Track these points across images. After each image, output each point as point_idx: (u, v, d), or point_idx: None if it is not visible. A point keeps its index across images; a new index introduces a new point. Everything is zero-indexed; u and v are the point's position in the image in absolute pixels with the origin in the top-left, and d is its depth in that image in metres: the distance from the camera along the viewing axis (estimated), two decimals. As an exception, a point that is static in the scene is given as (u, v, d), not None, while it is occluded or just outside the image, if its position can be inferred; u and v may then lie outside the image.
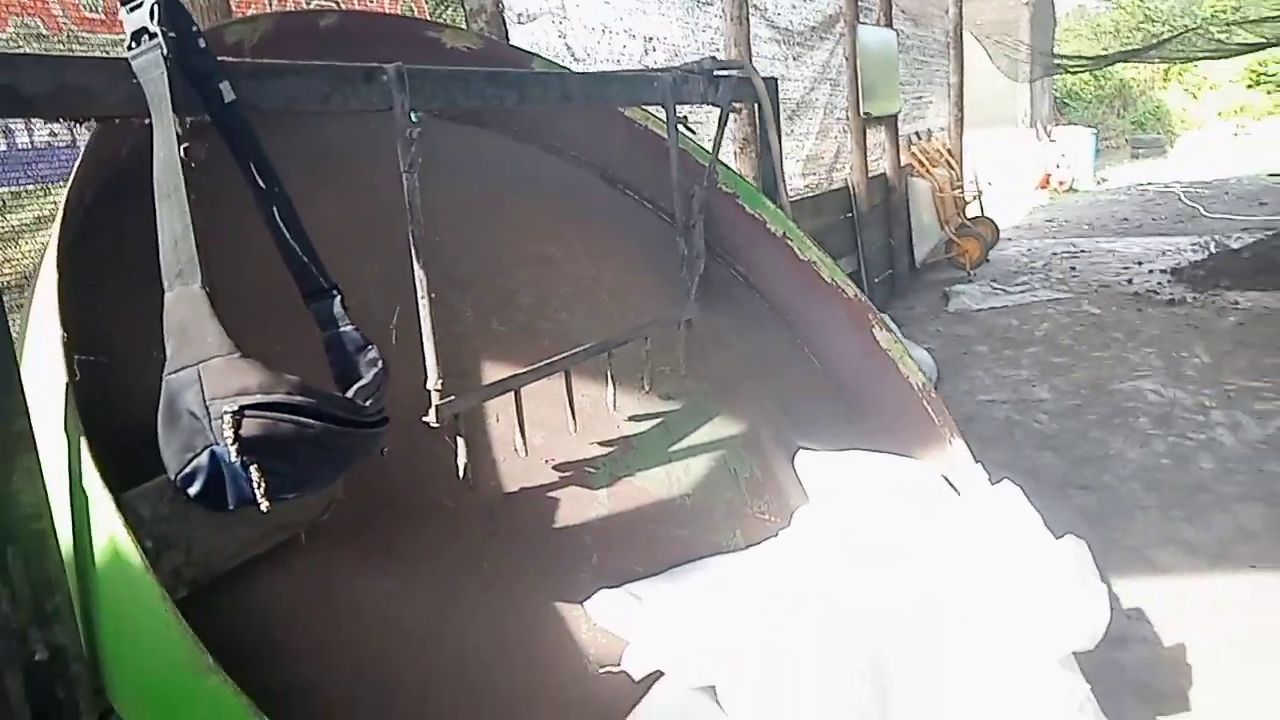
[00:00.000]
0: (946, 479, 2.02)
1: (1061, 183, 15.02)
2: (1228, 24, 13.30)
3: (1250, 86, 21.93)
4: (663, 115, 2.00)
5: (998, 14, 14.01)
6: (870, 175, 6.93)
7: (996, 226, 9.55)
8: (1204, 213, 11.37)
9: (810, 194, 6.16)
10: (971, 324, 6.59)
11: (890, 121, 7.41)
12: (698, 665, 1.33)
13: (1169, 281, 7.37)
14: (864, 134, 6.68)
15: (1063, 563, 1.70)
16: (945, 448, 2.15)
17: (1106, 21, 24.96)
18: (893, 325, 5.96)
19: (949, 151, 9.31)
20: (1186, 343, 5.59)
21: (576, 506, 1.60)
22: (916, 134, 8.76)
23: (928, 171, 8.33)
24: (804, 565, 1.59)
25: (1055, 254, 9.16)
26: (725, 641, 1.35)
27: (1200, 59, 13.44)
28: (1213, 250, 8.17)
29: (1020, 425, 4.49)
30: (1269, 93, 21.11)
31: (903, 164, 7.78)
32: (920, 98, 9.04)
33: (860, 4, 6.73)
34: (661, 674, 1.35)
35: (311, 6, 2.34)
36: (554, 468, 1.62)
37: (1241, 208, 11.51)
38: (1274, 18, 11.72)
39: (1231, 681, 2.41)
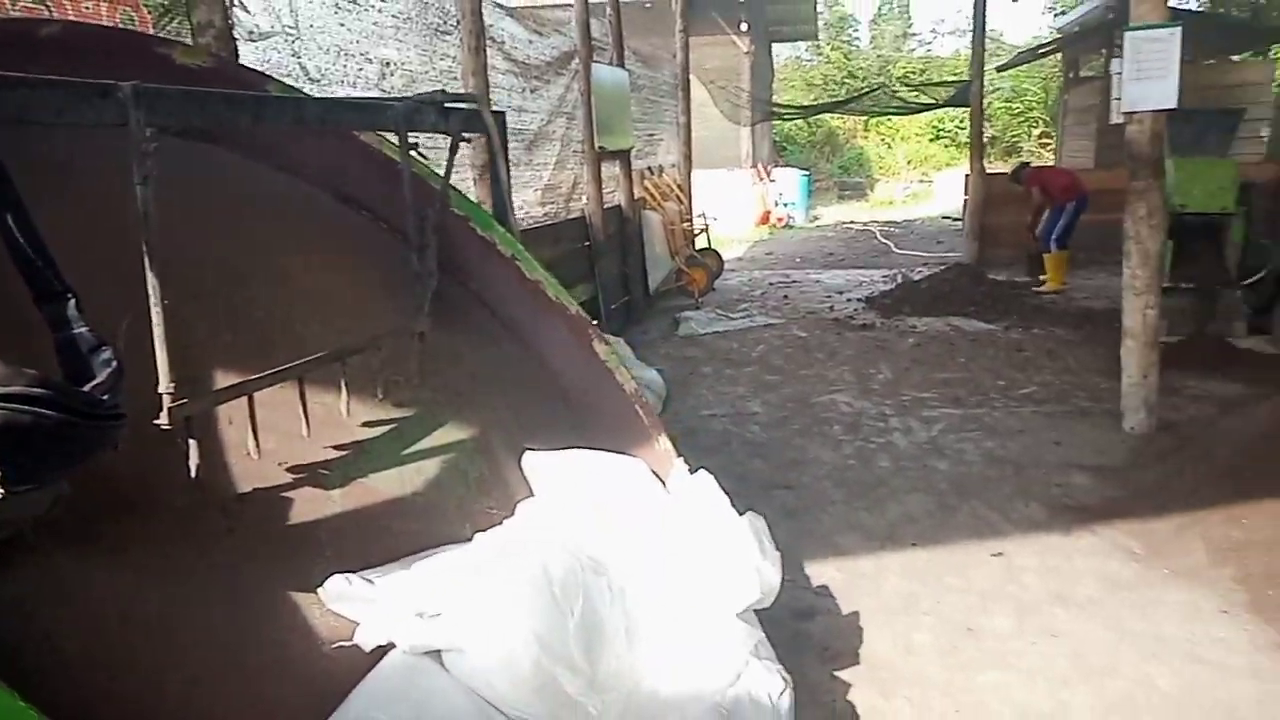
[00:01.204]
0: (654, 471, 2.31)
1: (779, 219, 16.58)
2: (909, 85, 15.44)
3: (932, 140, 25.38)
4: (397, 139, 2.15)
5: (722, 61, 15.28)
6: (606, 206, 7.37)
7: (721, 258, 10.42)
8: (894, 249, 13.04)
9: (549, 222, 6.47)
10: (698, 347, 7.17)
11: (624, 156, 7.92)
12: (423, 633, 1.48)
13: (863, 309, 8.42)
14: (599, 167, 7.10)
15: (744, 535, 2.03)
16: (653, 445, 2.45)
17: (817, 74, 27.90)
18: (611, 339, 6.34)
19: (679, 187, 10.06)
20: (874, 361, 6.45)
21: (311, 505, 1.69)
22: (649, 169, 9.40)
23: (659, 205, 8.96)
24: (523, 543, 1.79)
25: (772, 284, 10.13)
26: (448, 611, 1.51)
27: (891, 114, 15.42)
28: (899, 281, 9.41)
29: (736, 435, 4.99)
30: (945, 146, 24.56)
31: (636, 197, 8.32)
32: (652, 135, 9.71)
33: (594, 43, 7.18)
34: (392, 645, 1.49)
35: (21, 14, 2.24)
36: (287, 470, 1.70)
37: (924, 245, 13.33)
38: (944, 83, 13.77)
39: (884, 633, 2.91)
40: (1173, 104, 4.39)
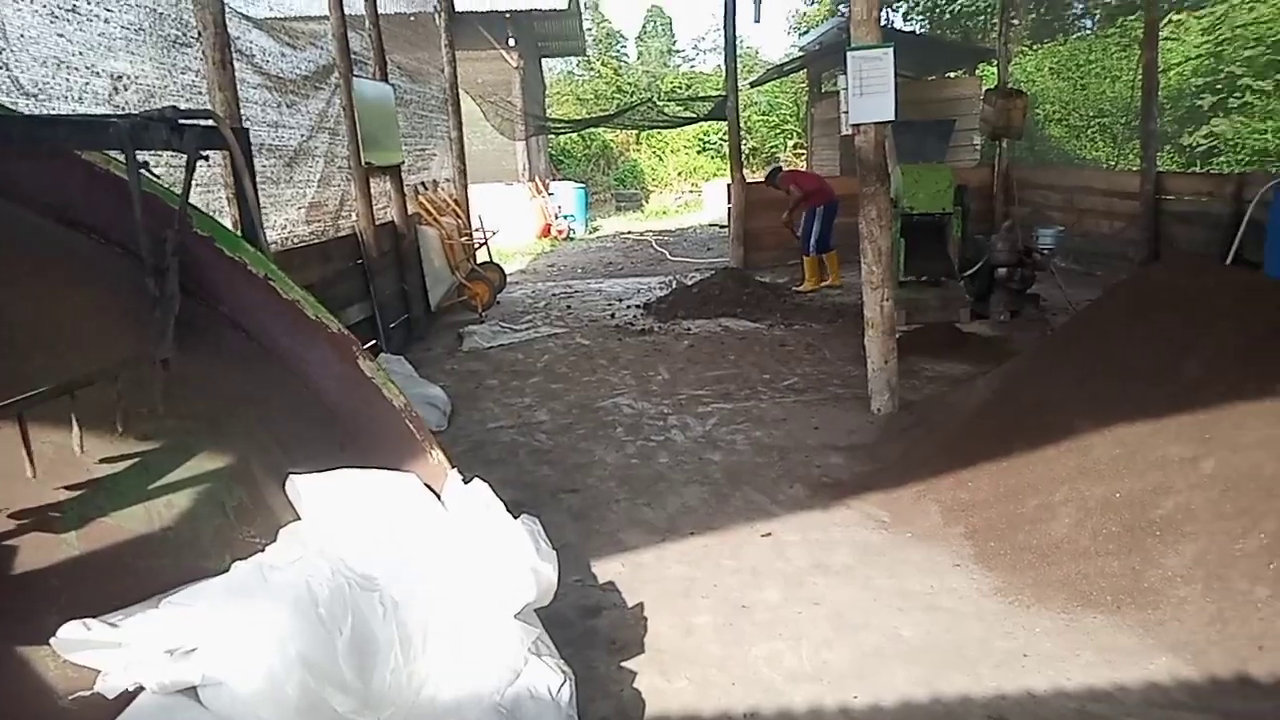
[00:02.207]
0: (427, 484, 2.31)
1: (560, 231, 16.81)
2: (674, 100, 16.17)
3: (699, 152, 26.67)
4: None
5: (493, 75, 15.30)
6: (379, 223, 7.19)
7: (504, 271, 10.44)
8: (669, 257, 13.59)
9: (317, 241, 6.22)
10: (483, 360, 7.15)
11: (394, 171, 7.76)
12: (175, 670, 1.41)
13: (642, 315, 8.73)
14: (368, 183, 6.92)
15: (519, 538, 2.08)
16: (427, 459, 2.45)
17: (588, 89, 28.53)
18: (391, 357, 6.18)
19: (456, 201, 9.97)
20: (653, 364, 6.71)
21: (40, 551, 1.56)
22: (423, 184, 9.25)
23: (436, 220, 8.84)
24: (285, 566, 1.75)
25: (555, 294, 10.27)
26: (204, 644, 1.45)
27: (659, 127, 16.06)
28: (674, 287, 9.83)
29: (523, 445, 5.04)
30: (711, 158, 25.89)
31: (411, 213, 8.17)
32: (424, 150, 9.56)
33: (355, 57, 6.99)
34: (141, 688, 1.41)
35: None
36: (9, 516, 1.56)
37: (695, 252, 13.99)
38: (705, 98, 14.53)
39: (666, 619, 3.06)
40: (891, 116, 4.90)
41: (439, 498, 2.28)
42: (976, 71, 14.03)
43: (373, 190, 7.09)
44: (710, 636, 2.94)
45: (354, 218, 6.90)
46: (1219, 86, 11.31)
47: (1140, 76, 8.35)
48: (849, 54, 4.88)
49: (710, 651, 2.85)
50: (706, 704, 2.58)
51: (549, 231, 16.61)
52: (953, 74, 14.35)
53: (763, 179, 10.27)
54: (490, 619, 1.82)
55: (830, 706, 2.54)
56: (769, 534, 3.68)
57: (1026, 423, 3.90)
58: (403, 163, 8.03)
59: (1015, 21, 11.66)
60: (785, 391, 5.76)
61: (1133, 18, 12.51)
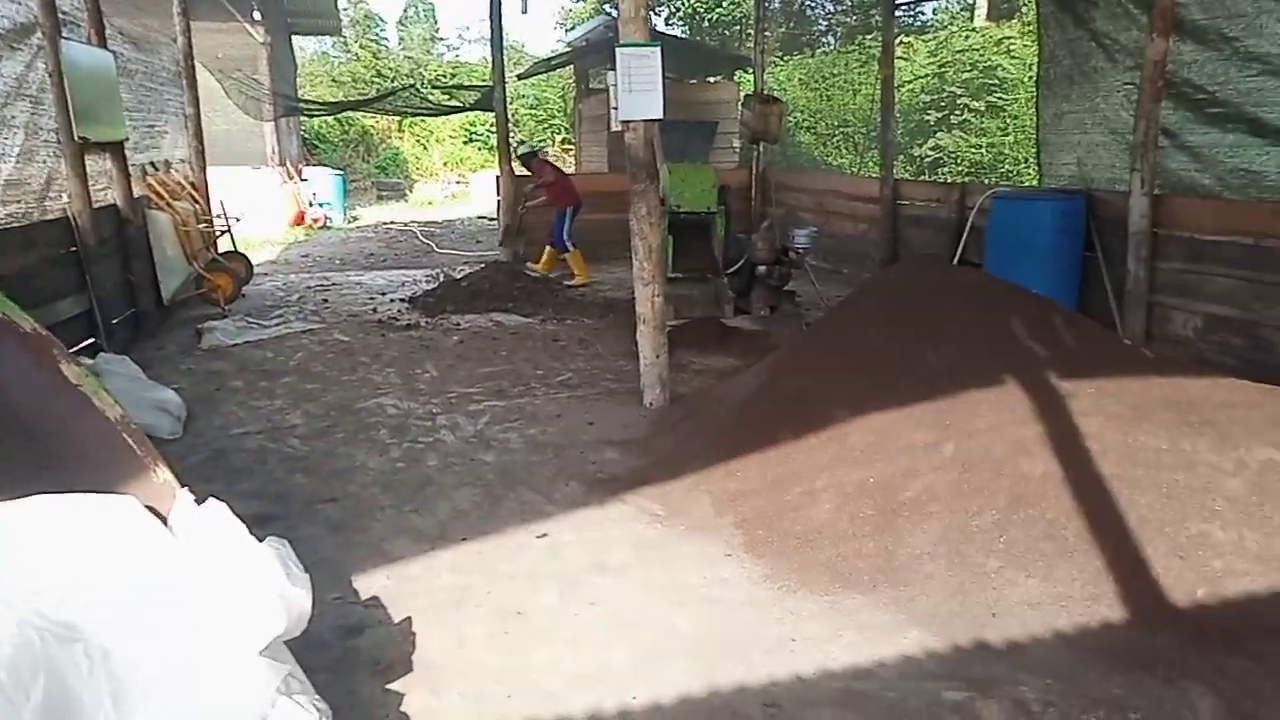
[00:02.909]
0: (150, 508, 1.99)
1: (315, 220, 15.78)
2: (438, 88, 15.66)
3: (466, 142, 26.08)
4: None
5: (236, 50, 14.07)
6: (98, 206, 6.33)
7: (250, 262, 9.59)
8: (436, 249, 13.15)
9: (17, 224, 5.37)
10: (226, 359, 6.51)
11: (116, 149, 6.87)
12: None
13: (407, 309, 8.33)
14: (83, 160, 6.07)
15: (265, 564, 1.83)
16: (150, 478, 2.12)
17: (345, 72, 27.05)
18: (114, 358, 5.47)
19: (192, 185, 9.03)
20: (420, 361, 6.40)
21: None
22: (152, 164, 8.29)
23: (168, 204, 7.95)
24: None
25: (310, 287, 9.59)
26: None
27: (422, 114, 15.49)
28: (442, 280, 9.49)
29: (274, 452, 4.61)
30: (479, 149, 25.40)
31: (138, 195, 7.28)
32: (153, 127, 8.58)
33: (64, 17, 6.10)
34: None
35: None
36: None
37: (464, 244, 13.63)
38: (471, 87, 14.17)
39: (436, 633, 2.87)
40: (660, 114, 4.95)
41: (165, 522, 1.97)
42: (735, 77, 14.72)
43: (90, 169, 6.23)
44: (485, 647, 2.80)
45: (65, 199, 6.02)
46: (942, 104, 12.59)
47: (879, 91, 9.07)
48: (618, 50, 4.87)
49: (485, 663, 2.71)
50: (482, 719, 2.44)
51: (303, 220, 15.55)
52: (713, 79, 14.97)
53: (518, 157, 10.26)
54: (230, 658, 1.58)
55: (610, 709, 2.48)
56: (545, 535, 3.58)
57: (790, 413, 4.06)
58: (126, 139, 7.13)
59: (768, 33, 12.34)
60: (559, 387, 5.69)
61: (870, 37, 13.63)
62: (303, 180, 16.01)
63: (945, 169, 11.70)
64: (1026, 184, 8.54)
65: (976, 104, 12.08)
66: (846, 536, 3.31)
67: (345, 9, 24.62)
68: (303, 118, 17.90)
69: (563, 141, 24.47)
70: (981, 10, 15.56)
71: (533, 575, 3.25)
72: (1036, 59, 7.83)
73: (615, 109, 5.05)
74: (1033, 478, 3.33)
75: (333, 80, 26.22)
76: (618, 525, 3.62)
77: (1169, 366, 4.20)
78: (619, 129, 5.06)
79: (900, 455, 3.55)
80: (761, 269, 7.02)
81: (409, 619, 2.98)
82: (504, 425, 4.95)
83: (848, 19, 17.33)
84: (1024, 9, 12.31)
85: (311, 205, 15.86)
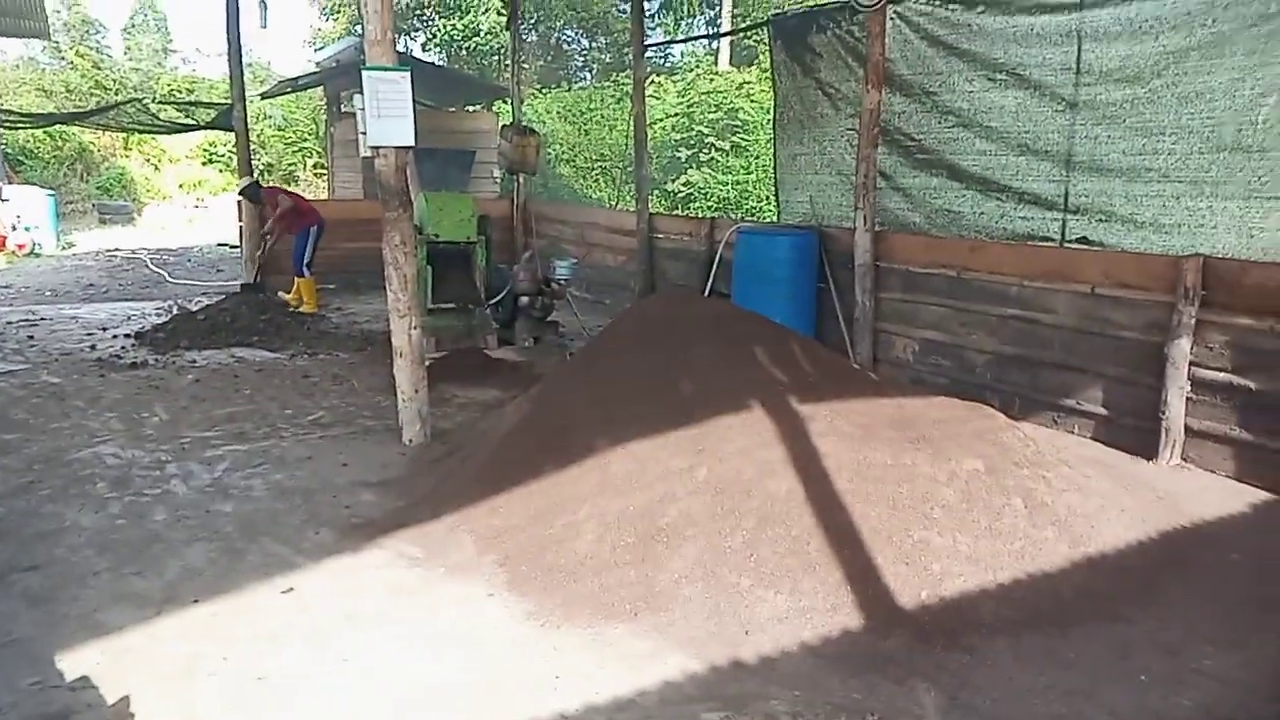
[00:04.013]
0: None
1: (20, 246, 13.94)
2: (167, 103, 14.37)
3: (205, 163, 24.15)
4: None
5: (-86, 51, 12.15)
6: None
7: (-67, 293, 8.27)
8: (169, 279, 12.01)
9: None
10: (-104, 408, 5.54)
11: None
12: None
13: (133, 346, 7.52)
14: None
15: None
16: None
17: (58, 81, 24.23)
18: None
19: None
20: (148, 403, 5.78)
21: None
22: None
23: None
24: None
25: (11, 323, 8.43)
26: None
27: (153, 131, 14.13)
28: (175, 313, 8.66)
29: (-42, 516, 3.96)
30: (220, 171, 23.60)
31: None
32: None
33: None
34: None
35: None
36: None
37: (201, 274, 12.55)
38: (206, 104, 13.14)
39: (159, 708, 2.57)
40: (411, 141, 4.82)
41: None
42: (494, 108, 14.72)
43: None
44: (217, 721, 2.53)
45: None
46: (692, 142, 13.28)
47: (633, 127, 9.41)
48: (365, 74, 4.70)
49: (219, 741, 2.45)
50: (215, 808, 2.19)
51: (4, 245, 13.67)
52: (471, 108, 14.88)
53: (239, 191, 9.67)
54: None
55: (364, 776, 2.32)
56: (291, 589, 3.32)
57: (553, 444, 4.06)
58: None
59: (526, 65, 12.48)
60: (310, 427, 5.33)
61: (623, 74, 14.15)
62: (4, 200, 14.08)
63: (696, 204, 12.33)
64: (768, 220, 9.18)
65: (722, 144, 12.85)
66: (609, 566, 3.33)
67: (58, 11, 22.07)
68: (2, 130, 15.77)
69: (314, 166, 23.30)
70: (725, 55, 16.63)
71: (276, 635, 2.99)
72: (773, 104, 8.45)
73: (364, 134, 4.85)
74: (778, 497, 3.53)
75: (41, 89, 23.37)
76: (373, 572, 3.42)
77: (892, 388, 4.63)
78: (369, 154, 4.87)
79: (659, 482, 3.64)
80: (524, 299, 7.02)
81: (126, 699, 2.64)
82: (246, 471, 4.56)
83: (603, 56, 17.89)
84: (761, 57, 13.30)
85: (15, 229, 13.98)
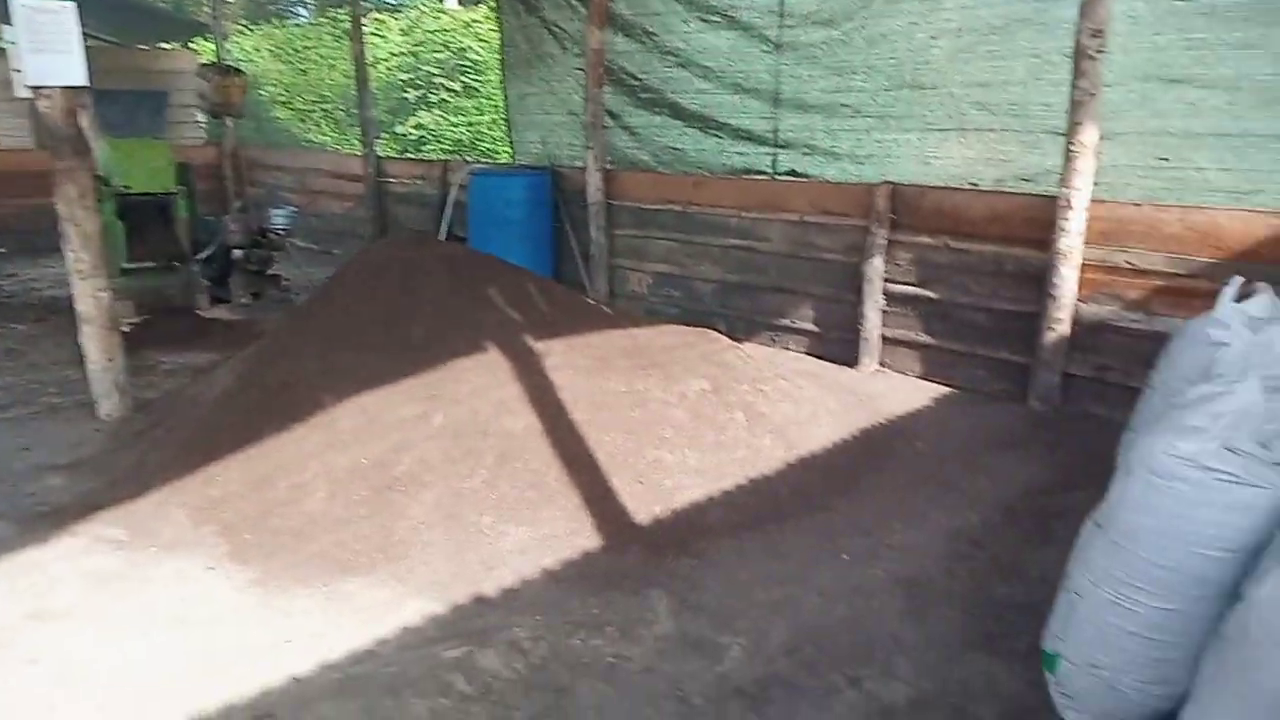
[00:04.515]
0: None
1: None
2: None
3: None
4: None
5: None
6: None
7: None
8: None
9: None
10: None
11: None
12: None
13: None
14: None
15: None
16: None
17: None
18: None
19: None
20: None
21: None
22: None
23: None
24: None
25: None
26: None
27: None
28: None
29: None
30: None
31: None
32: None
33: None
34: None
35: None
36: None
37: None
38: None
39: None
40: (79, 80, 4.22)
41: None
42: (192, 45, 13.25)
43: None
44: None
45: None
46: (419, 84, 12.73)
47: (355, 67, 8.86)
48: (17, 4, 4.04)
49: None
50: None
51: None
52: (166, 45, 13.31)
53: None
54: None
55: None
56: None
57: (274, 404, 3.79)
58: None
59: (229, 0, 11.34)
60: (-19, 411, 4.63)
61: (342, 11, 13.23)
62: None
63: (430, 147, 11.89)
64: (505, 160, 9.05)
65: (453, 84, 12.44)
66: (343, 522, 3.19)
67: None
68: None
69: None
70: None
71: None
72: (500, 43, 8.27)
73: (18, 72, 4.17)
74: (516, 434, 3.54)
75: None
76: (65, 562, 3.04)
77: (625, 320, 4.76)
78: (25, 95, 4.21)
79: (392, 431, 3.52)
80: (238, 253, 6.45)
81: None
82: (-103, 468, 3.89)
83: (318, -9, 16.64)
84: (488, -5, 12.94)
85: None
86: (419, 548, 3.06)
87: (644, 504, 3.33)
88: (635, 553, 3.10)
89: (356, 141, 10.21)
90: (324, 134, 13.06)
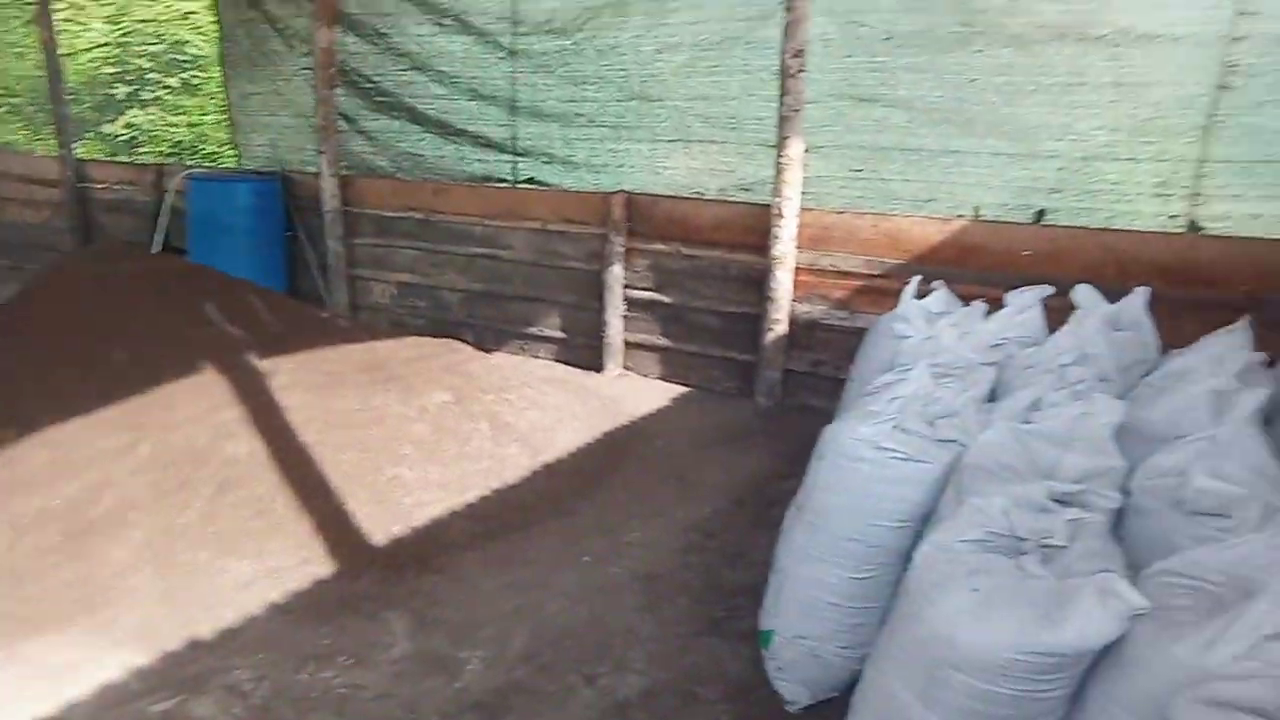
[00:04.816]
0: None
1: None
2: None
3: None
4: None
5: None
6: None
7: None
8: None
9: None
10: None
11: None
12: None
13: None
14: None
15: None
16: None
17: None
18: None
19: None
20: None
21: None
22: None
23: None
24: None
25: None
26: None
27: None
28: None
29: None
30: None
31: None
32: None
33: None
34: None
35: None
36: None
37: None
38: None
39: None
40: None
41: None
42: None
43: None
44: None
45: None
46: (130, 79, 11.55)
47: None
48: None
49: None
50: None
51: None
52: None
53: None
54: None
55: None
56: None
57: (-62, 446, 3.30)
58: None
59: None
60: None
61: (30, -6, 11.71)
62: None
63: (146, 149, 10.81)
64: (230, 165, 8.41)
65: (170, 80, 11.40)
66: (29, 574, 2.83)
67: None
68: None
69: None
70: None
71: None
72: (219, 37, 7.70)
73: None
74: (239, 460, 3.31)
75: None
76: None
77: (364, 333, 4.60)
78: None
79: (89, 467, 3.18)
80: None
81: None
82: None
83: (0, -30, 14.59)
84: (208, -14, 11.97)
85: None
86: (123, 594, 2.78)
87: (382, 524, 3.24)
88: (373, 575, 3.00)
89: (52, 141, 9.09)
90: (13, 133, 11.52)
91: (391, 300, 6.39)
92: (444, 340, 4.61)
